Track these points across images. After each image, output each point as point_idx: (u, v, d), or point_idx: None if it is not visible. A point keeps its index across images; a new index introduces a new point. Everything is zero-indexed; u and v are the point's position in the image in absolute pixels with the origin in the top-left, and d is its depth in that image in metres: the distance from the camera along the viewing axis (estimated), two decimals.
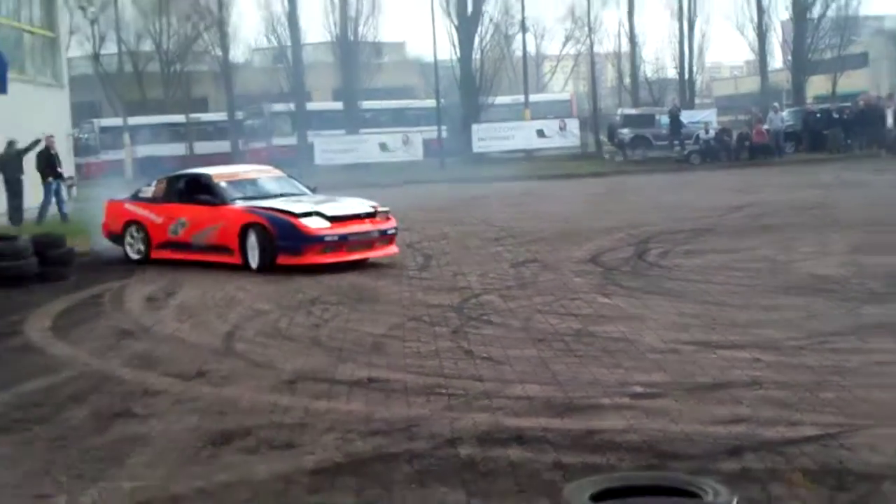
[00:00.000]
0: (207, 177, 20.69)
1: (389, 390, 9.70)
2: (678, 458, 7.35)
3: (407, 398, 9.39)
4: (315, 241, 18.12)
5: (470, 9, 65.41)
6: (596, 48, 74.07)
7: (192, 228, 19.73)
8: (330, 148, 61.70)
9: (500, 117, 65.49)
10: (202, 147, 62.79)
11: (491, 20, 67.29)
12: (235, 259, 18.70)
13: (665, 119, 59.13)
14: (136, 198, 21.42)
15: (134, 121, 63.82)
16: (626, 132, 59.53)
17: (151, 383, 10.39)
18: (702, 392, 9.22)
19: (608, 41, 74.44)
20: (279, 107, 66.74)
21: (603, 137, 64.43)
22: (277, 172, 22.37)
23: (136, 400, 9.73)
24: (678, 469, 6.86)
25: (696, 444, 7.67)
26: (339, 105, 68.12)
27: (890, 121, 53.85)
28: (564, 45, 79.85)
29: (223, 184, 20.06)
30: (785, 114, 59.08)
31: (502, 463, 7.35)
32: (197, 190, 20.31)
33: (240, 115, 68.25)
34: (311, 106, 68.43)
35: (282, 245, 18.11)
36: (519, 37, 69.95)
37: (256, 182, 20.80)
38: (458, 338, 12.07)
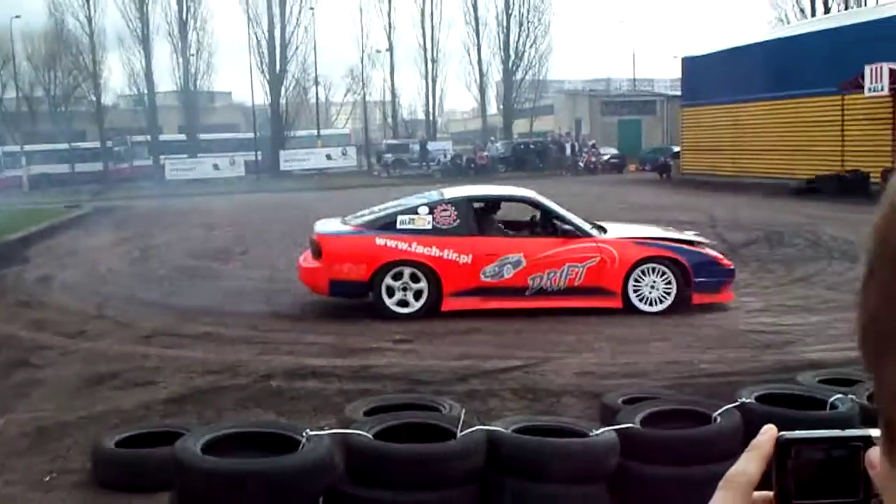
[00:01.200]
0: (541, 202, 11.40)
1: (220, 341, 9.50)
2: (425, 384, 7.40)
3: (233, 346, 9.21)
4: (732, 275, 10.99)
5: (278, 68, 65.50)
6: (368, 97, 74.51)
7: (531, 268, 10.54)
8: (176, 168, 62.03)
9: (300, 145, 65.83)
10: (81, 167, 62.11)
11: (293, 76, 67.34)
12: (614, 302, 10.45)
13: (416, 147, 60.48)
14: (396, 230, 10.71)
15: (29, 147, 62.35)
16: (389, 156, 60.59)
17: (43, 341, 9.93)
18: (441, 338, 9.31)
19: (376, 92, 74.51)
20: (139, 138, 65.77)
21: (373, 160, 65.10)
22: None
23: (32, 353, 9.28)
24: (424, 392, 6.90)
25: (437, 374, 7.74)
26: (183, 136, 67.33)
27: (568, 151, 56.07)
28: (346, 94, 79.70)
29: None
30: (499, 145, 60.85)
31: (302, 391, 7.28)
32: (530, 220, 11.84)
33: (110, 143, 66.68)
34: (163, 137, 67.51)
35: (700, 282, 10.57)
36: (313, 89, 69.88)
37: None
38: (271, 303, 11.89)
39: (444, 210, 10.87)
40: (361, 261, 10.47)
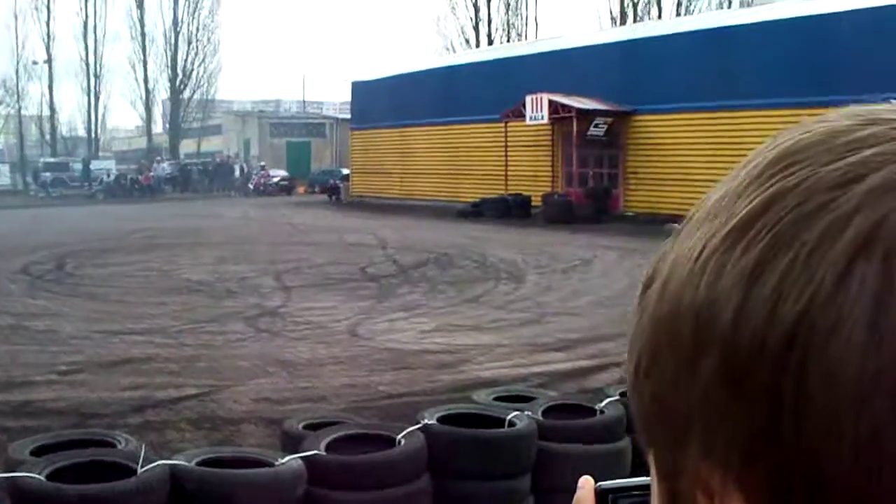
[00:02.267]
0: None
1: None
2: (97, 416, 7.07)
3: None
4: None
5: None
6: (23, 112, 70.07)
7: None
8: None
9: None
10: None
11: None
12: None
13: (78, 166, 57.85)
14: None
15: None
16: (47, 175, 57.29)
17: None
18: (111, 367, 8.91)
19: (33, 107, 70.16)
20: None
21: (29, 179, 61.33)
22: None
23: None
24: (97, 425, 6.59)
25: (109, 406, 7.41)
26: None
27: (238, 173, 55.71)
28: None
29: None
30: (166, 165, 59.22)
31: None
32: None
33: None
34: None
35: None
36: None
37: None
38: None
39: None
40: None
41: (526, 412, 5.31)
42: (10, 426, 6.78)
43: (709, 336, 0.50)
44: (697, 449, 0.52)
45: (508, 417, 5.18)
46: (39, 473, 4.16)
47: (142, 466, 4.23)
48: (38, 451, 4.84)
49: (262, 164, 58.03)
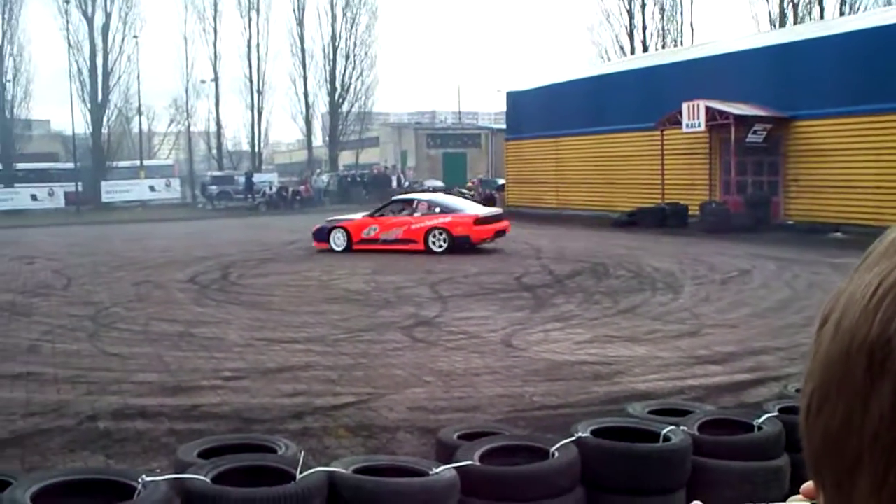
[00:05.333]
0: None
1: (42, 381, 9.09)
2: (258, 422, 7.30)
3: (57, 386, 8.83)
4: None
5: (100, 97, 63.51)
6: (192, 128, 73.15)
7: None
8: None
9: (122, 176, 63.89)
10: None
11: (115, 105, 65.44)
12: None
13: (242, 179, 59.76)
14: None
15: None
16: (213, 188, 59.63)
17: None
18: (271, 374, 9.20)
19: (201, 123, 73.19)
20: None
21: (197, 192, 63.99)
22: None
23: None
24: (259, 431, 6.81)
25: (270, 412, 7.65)
26: None
27: (395, 184, 56.58)
28: (169, 125, 78.06)
29: None
30: (324, 177, 60.71)
31: (131, 432, 7.06)
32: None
33: None
34: None
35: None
36: (136, 119, 68.10)
37: None
38: (94, 339, 11.46)
39: None
40: None
41: (681, 427, 5.20)
42: (179, 429, 7.09)
43: (882, 374, 0.50)
44: (868, 485, 0.51)
45: (663, 432, 5.09)
46: (205, 476, 4.33)
47: (301, 472, 4.35)
48: (205, 454, 5.04)
49: (411, 170, 58.97)
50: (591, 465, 4.82)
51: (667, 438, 5.04)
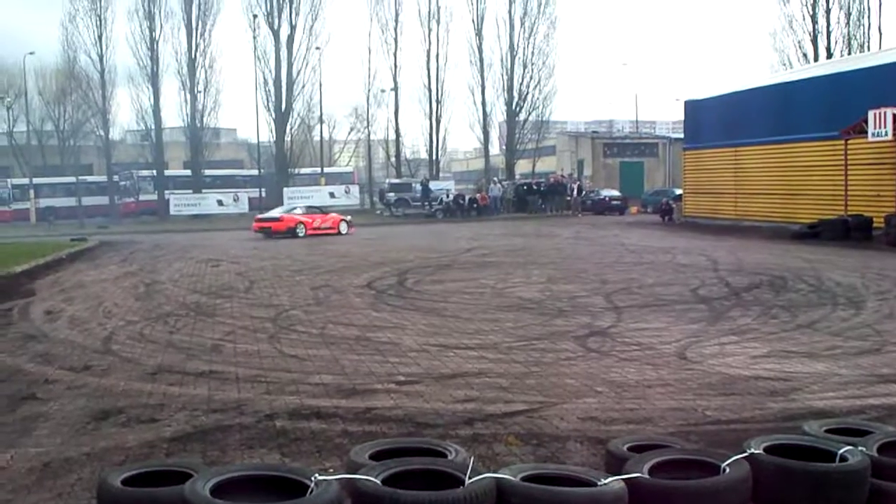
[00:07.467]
0: None
1: (224, 379, 9.48)
2: (430, 426, 7.38)
3: (237, 385, 9.19)
4: None
5: (283, 106, 65.88)
6: (371, 136, 74.97)
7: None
8: (181, 202, 62.62)
9: (303, 183, 66.15)
10: (88, 201, 62.81)
11: (298, 114, 67.82)
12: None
13: (419, 186, 60.71)
14: None
15: (38, 180, 62.89)
16: (391, 195, 60.87)
17: (49, 375, 9.92)
18: (444, 380, 9.28)
19: (380, 131, 74.91)
20: (145, 172, 66.02)
21: (375, 198, 65.45)
22: None
23: (38, 387, 9.27)
24: (430, 435, 6.88)
25: (442, 417, 7.71)
26: (188, 172, 67.50)
27: (575, 192, 56.22)
28: (349, 133, 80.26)
29: None
30: (501, 185, 60.91)
31: (306, 432, 7.26)
32: None
33: (116, 177, 66.97)
34: (168, 172, 67.75)
35: None
36: (317, 127, 70.30)
37: None
38: (273, 341, 11.87)
39: None
40: None
41: (859, 447, 4.95)
42: (353, 430, 7.24)
43: None
44: None
45: (840, 451, 4.85)
46: (376, 477, 4.40)
47: (469, 477, 4.36)
48: (377, 456, 5.12)
49: (588, 179, 58.62)
50: (764, 482, 4.64)
51: (843, 459, 4.81)
